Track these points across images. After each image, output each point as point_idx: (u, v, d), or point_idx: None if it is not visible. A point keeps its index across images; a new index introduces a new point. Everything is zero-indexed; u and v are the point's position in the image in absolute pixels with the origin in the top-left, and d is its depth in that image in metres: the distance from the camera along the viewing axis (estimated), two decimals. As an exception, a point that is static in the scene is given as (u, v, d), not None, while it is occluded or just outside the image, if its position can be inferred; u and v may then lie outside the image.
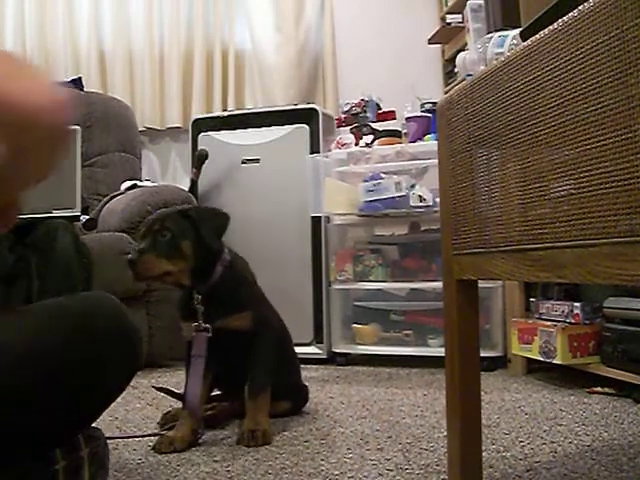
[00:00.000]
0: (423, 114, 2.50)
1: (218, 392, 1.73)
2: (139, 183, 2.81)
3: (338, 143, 2.61)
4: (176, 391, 1.66)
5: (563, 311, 1.99)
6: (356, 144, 2.57)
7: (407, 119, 2.52)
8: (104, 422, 1.67)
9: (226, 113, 2.91)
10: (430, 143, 2.36)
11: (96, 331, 0.91)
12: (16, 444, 0.84)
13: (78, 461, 0.90)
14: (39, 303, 1.02)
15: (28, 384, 0.81)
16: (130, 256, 1.47)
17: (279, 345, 1.63)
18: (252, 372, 1.54)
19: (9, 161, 0.51)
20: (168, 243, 1.49)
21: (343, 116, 2.74)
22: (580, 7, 0.69)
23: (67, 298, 0.98)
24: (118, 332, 0.94)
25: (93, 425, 0.98)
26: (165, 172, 3.53)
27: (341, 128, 2.73)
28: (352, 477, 1.20)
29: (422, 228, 2.62)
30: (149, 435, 1.52)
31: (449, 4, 3.12)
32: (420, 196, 2.35)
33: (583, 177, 0.69)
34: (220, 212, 1.62)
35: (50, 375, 0.85)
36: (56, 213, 2.03)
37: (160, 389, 1.70)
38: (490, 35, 1.83)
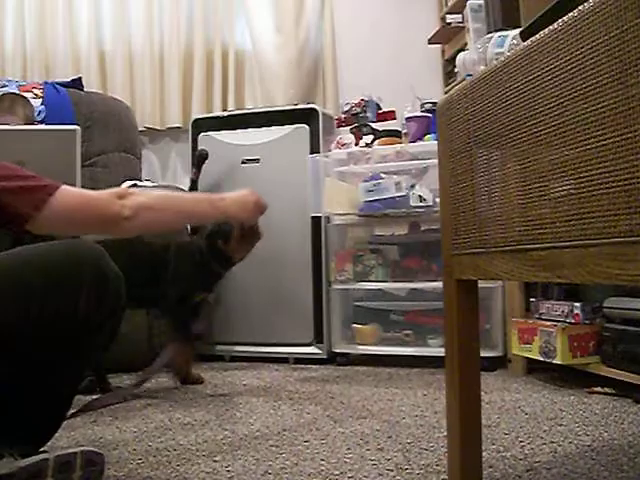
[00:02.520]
0: (423, 114, 2.50)
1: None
2: (139, 183, 2.81)
3: (338, 143, 2.61)
4: None
5: (563, 311, 1.99)
6: (356, 144, 2.57)
7: (407, 119, 2.51)
8: (104, 422, 1.67)
9: (226, 113, 2.91)
10: (430, 143, 2.36)
11: (74, 264, 1.06)
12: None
13: None
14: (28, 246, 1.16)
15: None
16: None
17: None
18: None
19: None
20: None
21: (343, 116, 2.73)
22: (580, 7, 0.69)
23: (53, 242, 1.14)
24: (94, 267, 1.07)
25: (95, 449, 1.01)
26: (165, 172, 3.52)
27: (341, 128, 2.73)
28: (352, 477, 1.20)
29: (422, 228, 2.61)
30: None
31: (449, 4, 3.12)
32: (420, 196, 2.35)
33: (583, 177, 0.69)
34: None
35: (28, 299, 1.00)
36: (56, 213, 2.03)
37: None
38: (490, 35, 1.83)
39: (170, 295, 2.04)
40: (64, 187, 1.16)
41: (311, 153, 2.59)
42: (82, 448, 1.00)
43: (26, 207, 1.10)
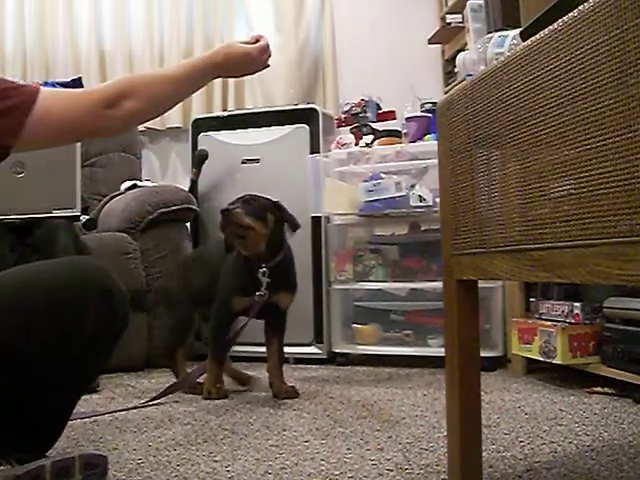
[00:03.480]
0: (423, 114, 2.50)
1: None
2: (139, 183, 2.81)
3: (338, 143, 2.61)
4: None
5: (563, 311, 1.99)
6: (356, 144, 2.57)
7: (407, 119, 2.51)
8: (104, 422, 1.68)
9: (226, 113, 2.91)
10: (430, 143, 2.36)
11: (80, 285, 1.02)
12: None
13: None
14: (33, 263, 1.14)
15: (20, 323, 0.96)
16: (225, 208, 1.83)
17: None
18: (280, 341, 1.99)
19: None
20: (255, 209, 1.86)
21: (343, 116, 2.73)
22: (580, 7, 0.69)
23: (59, 259, 1.12)
24: (101, 288, 1.03)
25: (96, 452, 1.00)
26: (165, 172, 3.52)
27: (341, 128, 2.73)
28: (352, 477, 1.20)
29: (422, 228, 2.61)
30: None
31: (449, 4, 3.12)
32: (420, 196, 2.35)
33: (583, 177, 0.69)
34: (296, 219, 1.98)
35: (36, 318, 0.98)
36: (56, 213, 2.03)
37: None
38: (490, 35, 1.83)
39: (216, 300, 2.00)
40: (41, 99, 1.03)
41: (311, 153, 2.59)
42: (80, 452, 0.99)
43: (1, 136, 1.00)
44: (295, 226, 1.94)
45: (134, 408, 1.83)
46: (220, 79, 3.35)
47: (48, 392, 1.02)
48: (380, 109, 2.72)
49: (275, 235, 1.91)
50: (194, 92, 1.31)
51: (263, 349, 2.06)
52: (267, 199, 1.93)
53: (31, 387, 0.99)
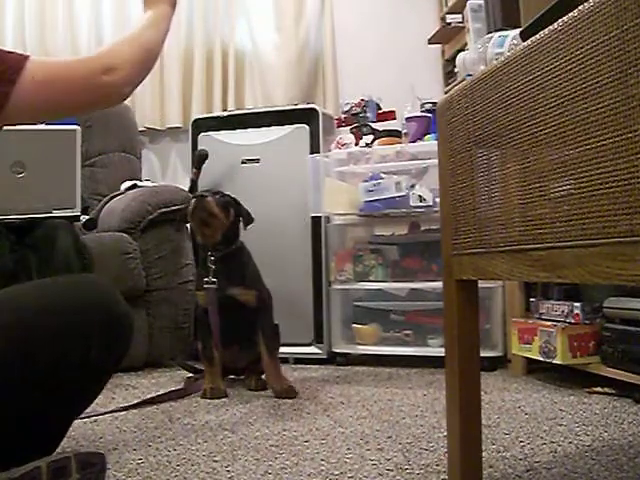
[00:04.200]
0: (423, 114, 2.50)
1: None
2: (139, 183, 2.81)
3: (338, 143, 2.61)
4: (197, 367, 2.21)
5: (563, 311, 1.99)
6: (356, 144, 2.57)
7: (407, 119, 2.51)
8: (104, 422, 1.67)
9: (226, 113, 2.91)
10: (430, 143, 2.36)
11: (86, 310, 0.98)
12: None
13: None
14: (37, 282, 1.07)
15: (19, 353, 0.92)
16: (199, 194, 2.04)
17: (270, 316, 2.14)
18: (265, 341, 2.03)
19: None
20: (223, 201, 2.04)
21: (343, 116, 2.73)
22: (580, 7, 0.69)
23: (64, 279, 1.03)
24: (107, 313, 1.00)
25: (92, 450, 0.99)
26: (165, 172, 3.52)
27: (341, 128, 2.73)
28: (352, 477, 1.20)
29: (422, 228, 2.61)
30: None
31: (449, 4, 3.12)
32: (420, 196, 2.35)
33: (583, 177, 0.69)
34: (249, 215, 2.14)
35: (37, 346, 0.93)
36: (56, 213, 2.03)
37: (180, 364, 2.32)
38: (490, 35, 1.83)
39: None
40: (29, 67, 0.97)
41: (311, 153, 2.58)
42: (76, 451, 0.98)
43: None
44: (248, 221, 2.12)
45: (134, 408, 1.83)
46: (220, 79, 3.35)
47: (46, 414, 0.99)
48: (380, 109, 2.72)
49: (231, 228, 2.07)
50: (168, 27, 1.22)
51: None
52: (229, 195, 2.10)
53: (30, 410, 0.96)
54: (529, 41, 0.79)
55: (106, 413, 1.76)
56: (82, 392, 1.04)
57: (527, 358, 2.13)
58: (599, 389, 1.85)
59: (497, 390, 1.94)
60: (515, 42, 1.64)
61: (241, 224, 2.11)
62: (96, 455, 0.99)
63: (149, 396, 1.93)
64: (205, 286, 2.00)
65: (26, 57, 0.98)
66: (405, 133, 2.53)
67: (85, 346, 0.98)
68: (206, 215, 1.99)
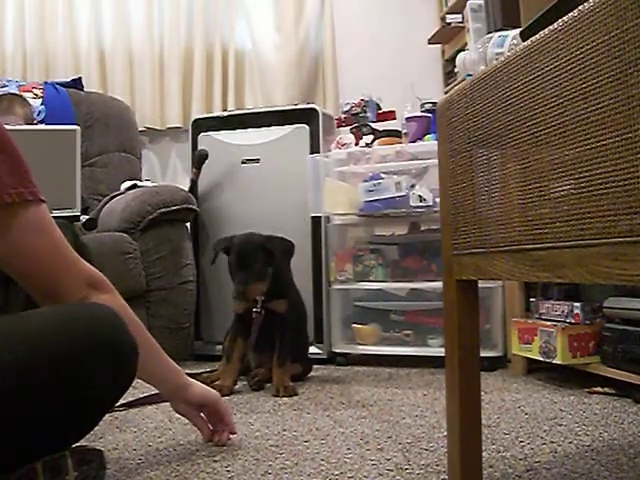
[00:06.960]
0: (423, 114, 2.50)
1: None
2: (139, 183, 2.81)
3: (338, 143, 2.61)
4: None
5: (563, 311, 1.99)
6: (356, 144, 2.57)
7: (407, 119, 2.51)
8: (104, 422, 1.67)
9: (226, 113, 2.91)
10: (430, 143, 2.36)
11: (91, 343, 0.95)
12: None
13: None
14: (42, 311, 1.03)
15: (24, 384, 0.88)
16: (240, 288, 2.02)
17: (301, 326, 2.29)
18: (280, 343, 2.09)
19: None
20: (258, 270, 2.03)
21: (343, 116, 2.73)
22: (580, 7, 0.69)
23: (69, 308, 1.01)
24: (112, 344, 0.98)
25: (88, 446, 0.98)
26: (165, 172, 3.53)
27: (341, 128, 2.73)
28: (352, 477, 1.20)
29: (422, 228, 2.61)
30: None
31: (449, 4, 3.12)
32: (420, 196, 2.34)
33: (583, 177, 0.69)
34: (287, 240, 2.16)
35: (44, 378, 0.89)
36: (56, 213, 2.03)
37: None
38: (490, 35, 1.83)
39: None
40: (42, 209, 1.01)
41: (311, 153, 2.58)
42: (70, 449, 0.96)
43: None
44: (286, 253, 2.16)
45: (134, 407, 1.83)
46: (220, 79, 3.35)
47: (46, 448, 0.94)
48: (380, 109, 2.72)
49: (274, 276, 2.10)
50: (149, 377, 1.33)
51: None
52: (258, 243, 2.05)
53: (30, 437, 0.92)
54: (529, 41, 0.79)
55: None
56: (82, 424, 1.01)
57: (527, 358, 2.13)
58: (599, 389, 1.85)
59: (497, 390, 1.94)
60: (515, 42, 1.64)
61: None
62: (92, 451, 0.98)
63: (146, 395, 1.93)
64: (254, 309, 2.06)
65: (43, 201, 1.03)
66: (405, 133, 2.53)
67: (87, 386, 0.94)
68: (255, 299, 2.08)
